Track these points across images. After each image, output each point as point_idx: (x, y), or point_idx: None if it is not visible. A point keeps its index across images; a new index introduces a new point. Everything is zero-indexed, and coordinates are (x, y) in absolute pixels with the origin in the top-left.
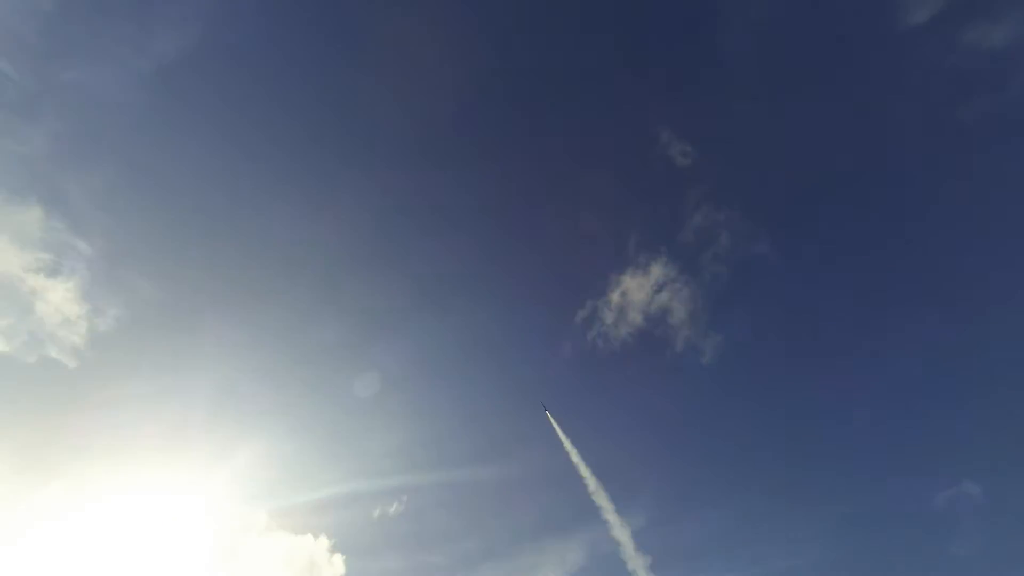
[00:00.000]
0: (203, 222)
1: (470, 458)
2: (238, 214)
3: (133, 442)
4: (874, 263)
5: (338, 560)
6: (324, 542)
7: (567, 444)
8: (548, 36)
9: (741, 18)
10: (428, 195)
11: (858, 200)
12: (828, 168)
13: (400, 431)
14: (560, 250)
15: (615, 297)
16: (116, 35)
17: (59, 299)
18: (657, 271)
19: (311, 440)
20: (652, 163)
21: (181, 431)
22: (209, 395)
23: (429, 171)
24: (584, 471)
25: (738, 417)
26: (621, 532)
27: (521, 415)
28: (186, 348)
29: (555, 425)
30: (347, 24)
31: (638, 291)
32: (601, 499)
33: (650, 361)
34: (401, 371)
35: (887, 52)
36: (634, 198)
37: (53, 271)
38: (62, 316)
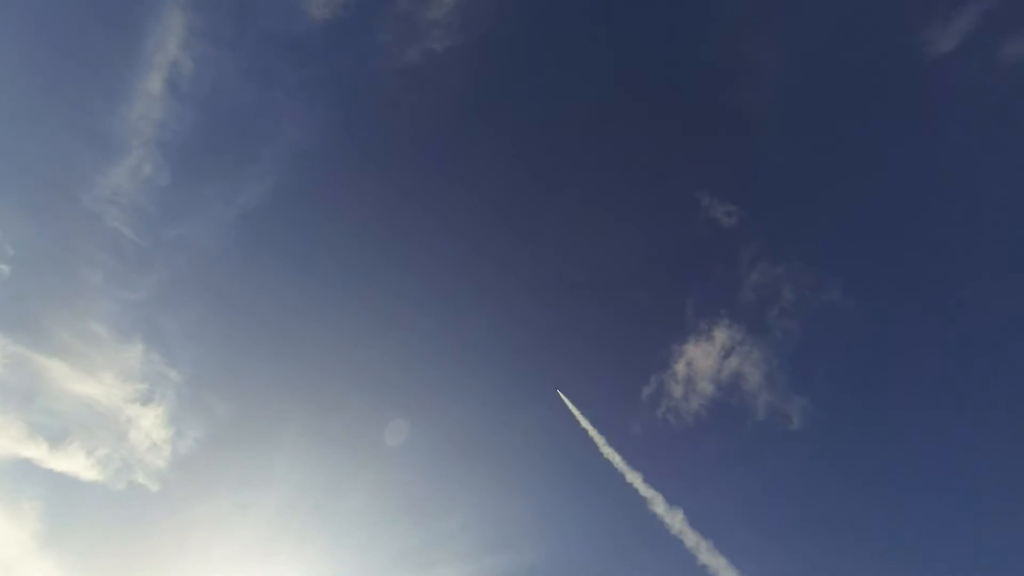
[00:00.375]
0: (276, 345)
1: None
2: (308, 336)
3: (208, 561)
4: (967, 294)
5: None
6: None
7: (589, 429)
8: (569, 116)
9: (759, 71)
10: (471, 289)
11: (926, 231)
12: (883, 202)
13: (475, 526)
14: (616, 327)
15: (680, 368)
16: (213, 194)
17: (149, 425)
18: (721, 336)
19: (379, 548)
20: (697, 229)
21: (253, 547)
22: (280, 508)
23: (468, 267)
24: (615, 458)
25: (840, 488)
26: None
27: (604, 507)
28: (259, 464)
29: (572, 407)
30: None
31: (704, 359)
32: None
33: (730, 433)
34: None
35: (919, 81)
36: (685, 265)
37: (147, 399)
38: (150, 441)
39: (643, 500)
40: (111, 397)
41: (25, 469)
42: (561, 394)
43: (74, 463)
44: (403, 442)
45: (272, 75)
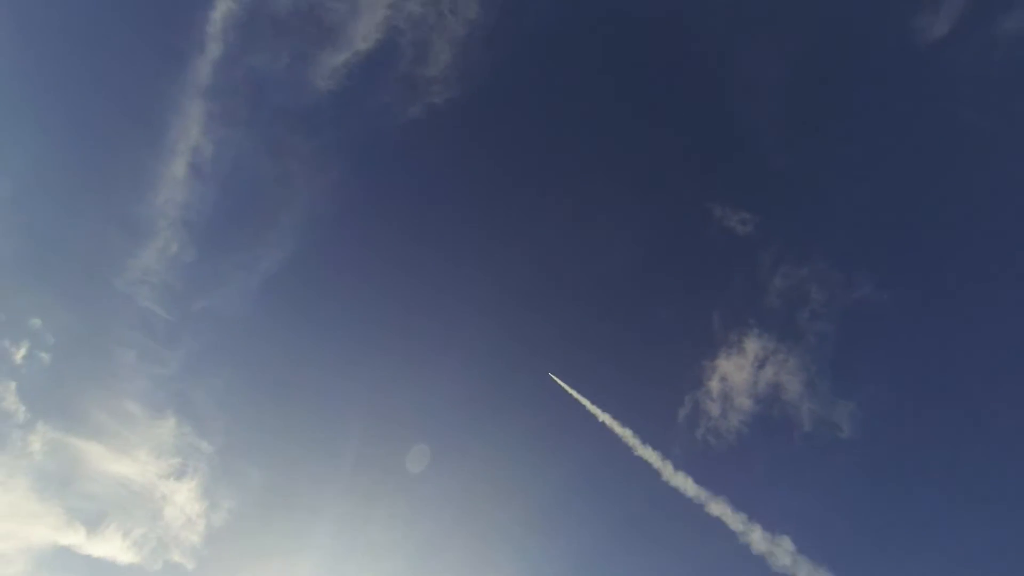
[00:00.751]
0: (305, 406)
1: None
2: (335, 394)
3: None
4: (1004, 275)
5: None
6: None
7: (586, 404)
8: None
9: (753, 77)
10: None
11: (949, 214)
12: (898, 190)
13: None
14: (643, 349)
15: (714, 385)
16: (235, 264)
17: (183, 500)
18: (752, 346)
19: None
20: (713, 240)
21: None
22: (318, 573)
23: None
24: (616, 427)
25: (901, 496)
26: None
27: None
28: (297, 530)
29: (566, 387)
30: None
31: (738, 372)
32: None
33: (776, 448)
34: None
35: (918, 67)
36: (705, 278)
37: (180, 473)
38: (185, 517)
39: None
40: (146, 475)
41: (64, 557)
42: (554, 377)
43: (111, 547)
44: (433, 482)
45: (285, 147)
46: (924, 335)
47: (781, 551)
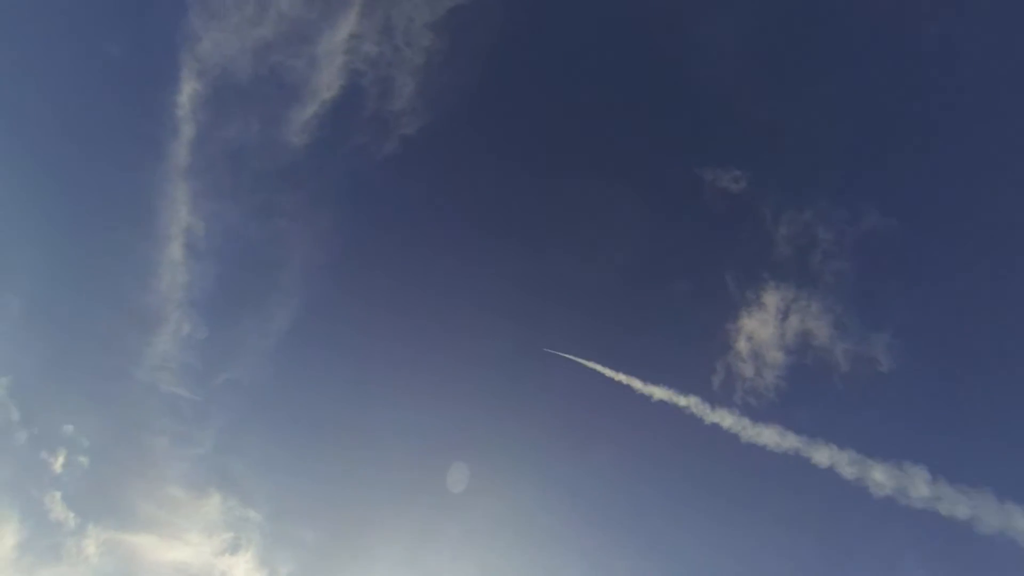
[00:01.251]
0: (343, 453)
1: None
2: (369, 434)
3: None
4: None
5: None
6: None
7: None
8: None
9: (709, 41)
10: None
11: (942, 131)
12: (886, 116)
13: None
14: (665, 325)
15: (742, 346)
16: (247, 331)
17: (242, 573)
18: (772, 299)
19: None
20: (711, 203)
21: None
22: None
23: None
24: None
25: (953, 421)
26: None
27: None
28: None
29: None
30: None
31: (763, 328)
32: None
33: (819, 395)
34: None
35: None
36: (711, 242)
37: (235, 548)
38: None
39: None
40: (201, 555)
41: None
42: (551, 350)
43: None
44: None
45: (271, 208)
46: (941, 251)
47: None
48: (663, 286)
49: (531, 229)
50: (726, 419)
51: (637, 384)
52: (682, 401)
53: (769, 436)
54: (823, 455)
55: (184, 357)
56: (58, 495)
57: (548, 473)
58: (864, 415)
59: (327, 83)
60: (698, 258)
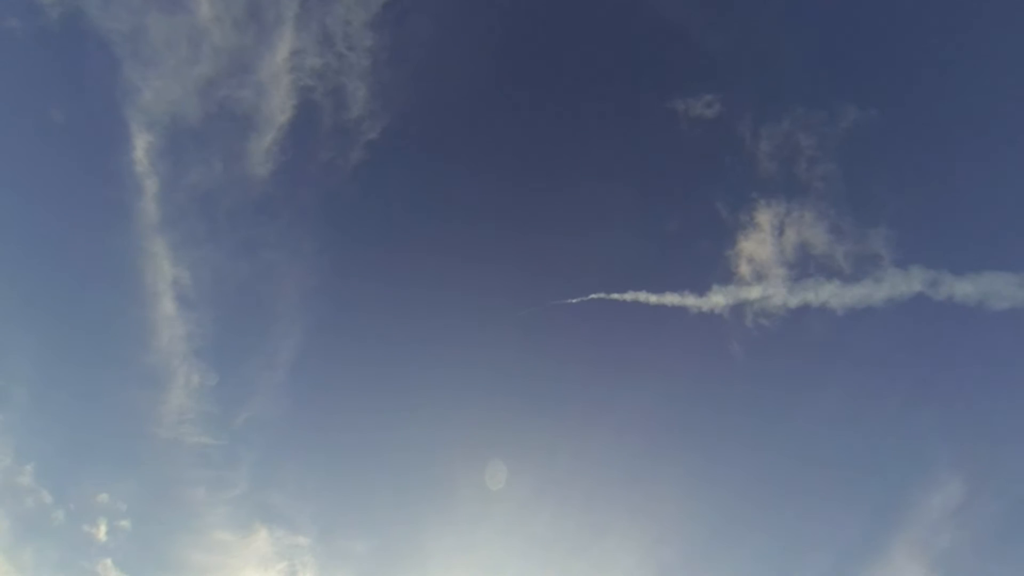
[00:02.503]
0: (379, 462)
1: None
2: (399, 439)
3: None
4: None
5: None
6: None
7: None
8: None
9: None
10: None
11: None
12: (852, 5)
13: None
14: (666, 267)
15: (744, 269)
16: (255, 368)
17: None
18: (765, 217)
19: None
20: (687, 133)
21: None
22: None
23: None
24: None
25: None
26: None
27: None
28: None
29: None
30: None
31: (762, 248)
32: None
33: (830, 306)
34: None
35: None
36: (693, 173)
37: (292, 575)
38: None
39: None
40: None
41: None
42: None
43: None
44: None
45: (252, 243)
46: (926, 135)
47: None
48: (654, 228)
49: (517, 198)
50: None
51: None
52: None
53: None
54: None
55: (201, 407)
56: (109, 562)
57: (586, 462)
58: (878, 311)
59: (279, 106)
60: (685, 193)
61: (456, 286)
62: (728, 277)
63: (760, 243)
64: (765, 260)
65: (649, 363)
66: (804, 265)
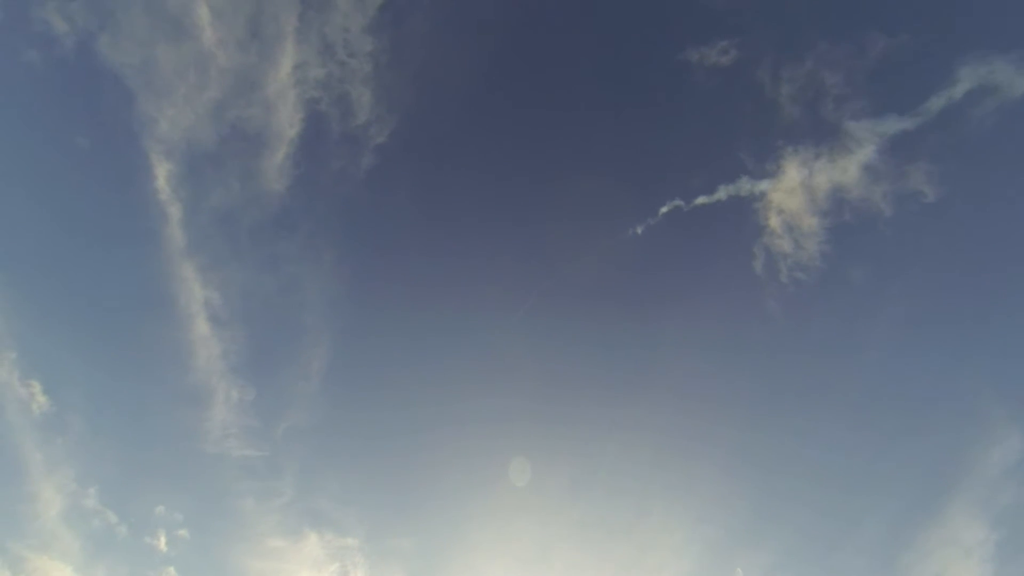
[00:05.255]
0: (422, 465)
1: None
2: (443, 444)
3: None
4: None
5: None
6: None
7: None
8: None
9: None
10: None
11: None
12: None
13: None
14: (696, 225)
15: (774, 221)
16: (291, 379)
17: None
18: (792, 164)
19: None
20: (705, 84)
21: None
22: None
23: None
24: None
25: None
26: None
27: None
28: (472, 566)
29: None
30: None
31: (791, 198)
32: None
33: (870, 250)
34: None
35: None
36: (718, 127)
37: (343, 575)
38: None
39: None
40: None
41: None
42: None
43: None
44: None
45: (276, 257)
46: (964, 52)
47: None
48: (683, 184)
49: (531, 183)
50: None
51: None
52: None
53: None
54: None
55: (242, 421)
56: (172, 569)
57: (622, 445)
58: (922, 257)
59: (288, 121)
60: (706, 149)
61: (473, 281)
62: (757, 231)
63: (790, 192)
64: (796, 209)
65: (682, 331)
66: (839, 212)
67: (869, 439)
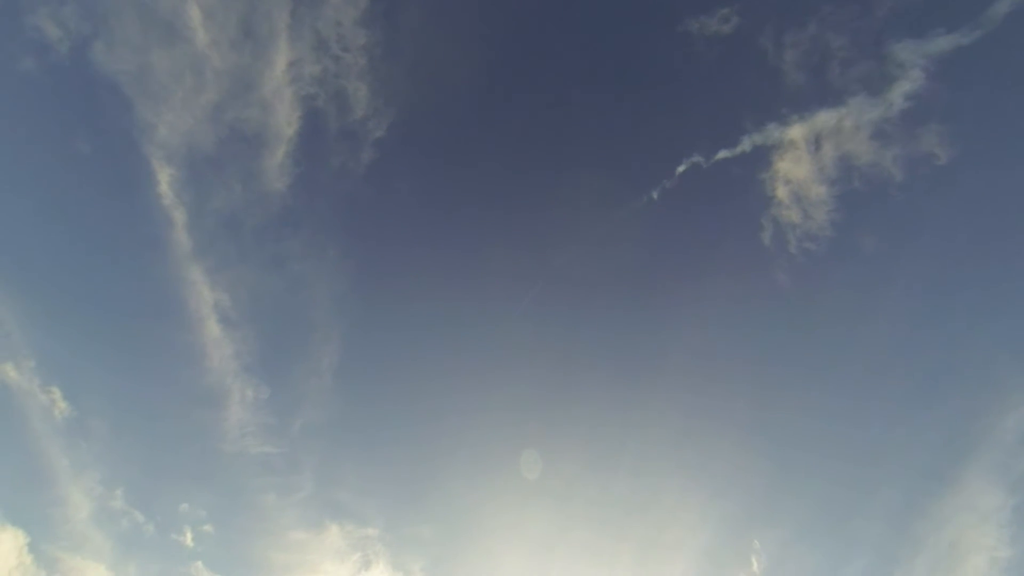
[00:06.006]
0: (438, 455)
1: None
2: (458, 434)
3: None
4: None
5: None
6: None
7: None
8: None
9: None
10: None
11: None
12: None
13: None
14: (704, 198)
15: (780, 191)
16: (303, 376)
17: None
18: (798, 133)
19: None
20: (706, 54)
21: None
22: None
23: None
24: None
25: None
26: None
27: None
28: (487, 552)
29: None
30: None
31: (798, 167)
32: None
33: (882, 216)
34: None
35: None
36: (723, 100)
37: (366, 564)
38: None
39: None
40: None
41: None
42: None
43: None
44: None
45: (281, 256)
46: (975, 8)
47: None
48: (682, 164)
49: (533, 170)
50: None
51: None
52: None
53: None
54: None
55: (259, 419)
56: (200, 563)
57: (635, 425)
58: (939, 221)
59: (285, 119)
60: (710, 120)
61: (481, 268)
62: (762, 202)
63: (796, 161)
64: (803, 179)
65: (692, 307)
66: (847, 179)
67: (884, 408)
